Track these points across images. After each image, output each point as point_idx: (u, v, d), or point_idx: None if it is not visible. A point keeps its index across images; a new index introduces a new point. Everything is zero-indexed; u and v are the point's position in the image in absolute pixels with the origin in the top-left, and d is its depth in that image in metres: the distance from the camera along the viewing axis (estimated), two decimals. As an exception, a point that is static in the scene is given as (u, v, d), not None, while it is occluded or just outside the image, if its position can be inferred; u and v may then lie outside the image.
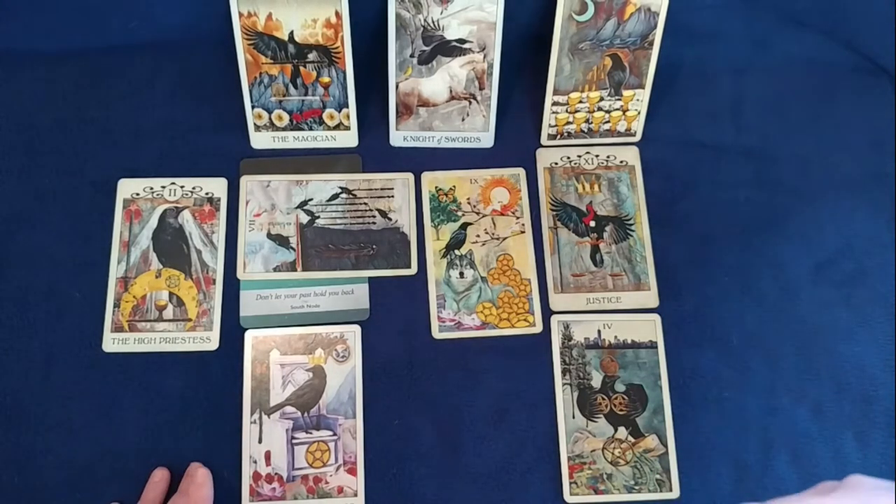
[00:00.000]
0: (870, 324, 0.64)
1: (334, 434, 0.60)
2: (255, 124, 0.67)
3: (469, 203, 0.67)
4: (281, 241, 0.65)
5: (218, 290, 0.63)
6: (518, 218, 0.67)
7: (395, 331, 0.63)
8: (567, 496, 0.59)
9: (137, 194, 0.66)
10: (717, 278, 0.65)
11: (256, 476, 0.59)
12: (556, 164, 0.69)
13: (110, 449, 0.59)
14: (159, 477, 0.57)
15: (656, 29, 0.64)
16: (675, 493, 0.59)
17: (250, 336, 0.62)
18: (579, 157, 0.69)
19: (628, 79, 0.67)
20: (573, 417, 0.61)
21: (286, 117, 0.67)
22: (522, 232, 0.66)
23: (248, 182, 0.67)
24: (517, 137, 0.69)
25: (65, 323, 0.62)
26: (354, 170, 0.68)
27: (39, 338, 0.61)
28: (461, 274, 0.65)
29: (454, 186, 0.68)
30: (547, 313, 0.64)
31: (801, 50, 0.73)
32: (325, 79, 0.65)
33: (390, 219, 0.66)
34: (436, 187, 0.67)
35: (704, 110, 0.71)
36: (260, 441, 0.59)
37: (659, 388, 0.62)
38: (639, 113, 0.68)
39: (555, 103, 0.67)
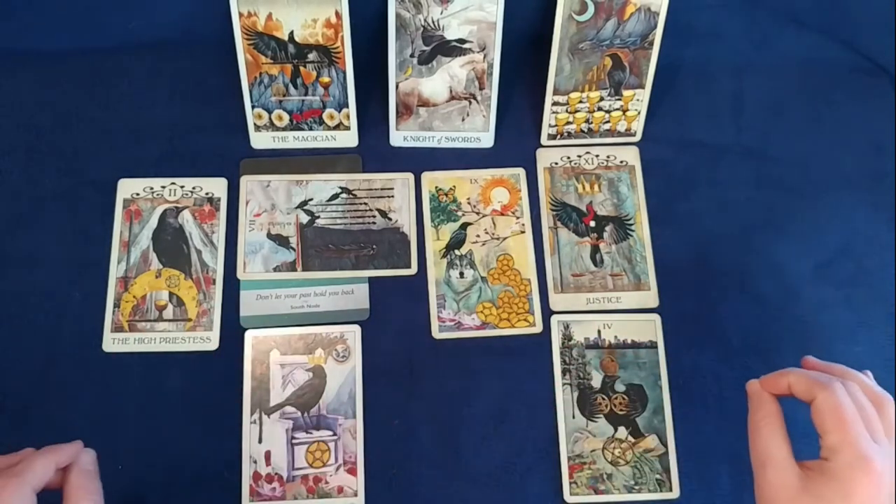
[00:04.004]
0: (870, 324, 0.64)
1: (334, 434, 0.60)
2: (255, 124, 0.67)
3: (469, 203, 0.67)
4: (281, 241, 0.65)
5: (218, 290, 0.63)
6: (518, 218, 0.67)
7: (395, 331, 0.63)
8: (567, 496, 0.59)
9: (137, 194, 0.66)
10: (717, 278, 0.65)
11: (256, 476, 0.59)
12: (556, 164, 0.69)
13: (110, 449, 0.59)
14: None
15: (656, 29, 0.64)
16: (675, 493, 0.59)
17: (250, 336, 0.62)
18: (579, 157, 0.69)
19: (628, 79, 0.67)
20: (573, 417, 0.61)
21: (286, 117, 0.67)
22: (522, 232, 0.66)
23: (248, 182, 0.67)
24: (517, 137, 0.69)
25: (65, 323, 0.62)
26: (354, 170, 0.68)
27: (39, 338, 0.61)
28: (461, 274, 0.65)
29: (454, 186, 0.68)
30: (547, 313, 0.64)
31: (801, 50, 0.73)
32: (325, 79, 0.65)
33: (390, 219, 0.66)
34: (436, 187, 0.67)
35: (704, 110, 0.71)
36: (260, 441, 0.59)
37: (659, 388, 0.62)
38: (639, 113, 0.68)
39: (555, 103, 0.67)
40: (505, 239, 0.66)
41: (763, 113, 0.71)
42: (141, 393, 0.60)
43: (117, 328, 0.62)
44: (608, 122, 0.69)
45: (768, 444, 0.46)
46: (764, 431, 0.46)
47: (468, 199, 0.67)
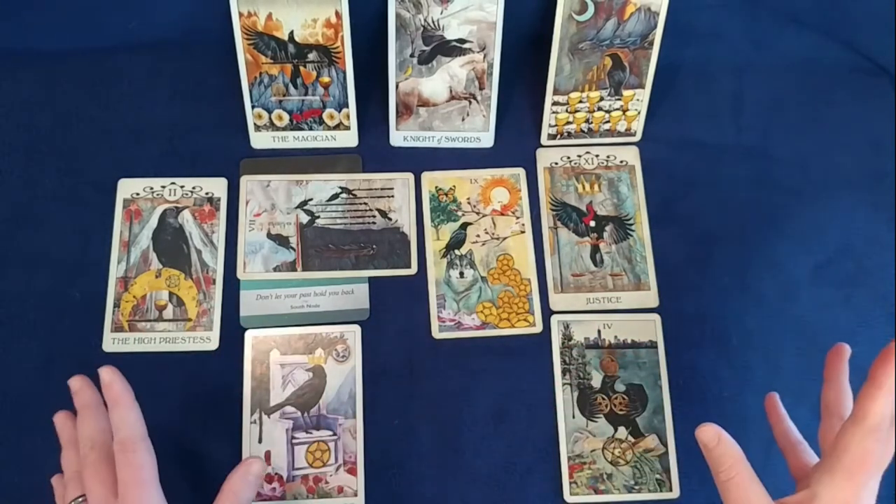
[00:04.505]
0: (870, 324, 0.64)
1: (334, 434, 0.60)
2: (255, 124, 0.67)
3: (469, 203, 0.67)
4: (281, 241, 0.65)
5: (218, 290, 0.63)
6: (518, 218, 0.67)
7: (395, 331, 0.63)
8: (567, 496, 0.59)
9: (137, 194, 0.66)
10: (717, 278, 0.65)
11: (256, 476, 0.59)
12: (556, 164, 0.69)
13: (110, 449, 0.59)
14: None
15: (656, 29, 0.64)
16: (675, 493, 0.59)
17: (250, 336, 0.62)
18: (579, 157, 0.69)
19: (628, 79, 0.67)
20: (573, 417, 0.61)
21: (286, 117, 0.67)
22: (522, 232, 0.66)
23: (248, 182, 0.67)
24: (517, 137, 0.69)
25: (65, 323, 0.62)
26: (354, 170, 0.68)
27: (39, 338, 0.61)
28: (461, 274, 0.65)
29: (454, 186, 0.68)
30: (547, 313, 0.64)
31: (801, 50, 0.73)
32: (325, 79, 0.65)
33: (390, 219, 0.66)
34: (436, 187, 0.68)
35: (704, 110, 0.71)
36: (260, 441, 0.59)
37: (659, 388, 0.62)
38: (639, 113, 0.68)
39: (555, 103, 0.67)
40: (505, 239, 0.66)
41: (763, 113, 0.71)
42: (141, 393, 0.60)
43: (117, 328, 0.62)
44: (608, 121, 0.69)
45: (746, 499, 0.42)
46: (737, 487, 0.43)
47: (468, 199, 0.67)
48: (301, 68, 0.65)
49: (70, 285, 0.63)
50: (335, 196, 0.67)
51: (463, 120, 0.68)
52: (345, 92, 0.66)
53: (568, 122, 0.69)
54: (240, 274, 0.64)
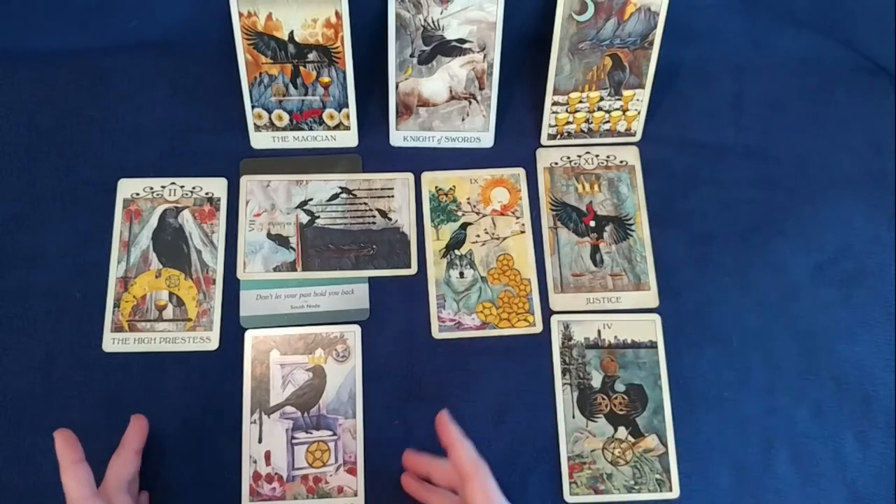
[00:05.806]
0: (870, 324, 0.64)
1: (334, 434, 0.60)
2: (255, 124, 0.67)
3: (469, 203, 0.67)
4: (281, 241, 0.65)
5: (218, 290, 0.63)
6: (518, 218, 0.67)
7: (395, 331, 0.63)
8: (567, 496, 0.59)
9: (137, 194, 0.66)
10: (717, 278, 0.65)
11: (256, 476, 0.59)
12: (556, 164, 0.69)
13: (110, 449, 0.59)
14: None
15: (656, 29, 0.64)
16: (675, 493, 0.59)
17: (250, 336, 0.62)
18: (579, 157, 0.69)
19: (628, 79, 0.67)
20: (573, 417, 0.61)
21: (286, 117, 0.67)
22: (522, 232, 0.66)
23: (248, 182, 0.67)
24: (517, 137, 0.70)
25: (65, 323, 0.62)
26: (354, 170, 0.68)
27: (39, 338, 0.61)
28: (461, 274, 0.65)
29: (454, 186, 0.68)
30: (547, 313, 0.64)
31: (801, 50, 0.73)
32: (325, 79, 0.65)
33: (390, 219, 0.66)
34: (436, 187, 0.68)
35: (704, 110, 0.71)
36: (260, 441, 0.59)
37: (659, 388, 0.62)
38: (639, 113, 0.68)
39: (555, 103, 0.67)
40: (505, 239, 0.66)
41: (763, 113, 0.71)
42: (141, 393, 0.61)
43: (117, 328, 0.62)
44: (608, 122, 0.69)
45: None
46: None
47: (468, 199, 0.67)
48: (301, 68, 0.65)
49: (70, 285, 0.63)
50: (335, 196, 0.67)
51: (463, 120, 0.68)
52: (345, 92, 0.66)
53: (568, 122, 0.69)
54: (240, 274, 0.64)
